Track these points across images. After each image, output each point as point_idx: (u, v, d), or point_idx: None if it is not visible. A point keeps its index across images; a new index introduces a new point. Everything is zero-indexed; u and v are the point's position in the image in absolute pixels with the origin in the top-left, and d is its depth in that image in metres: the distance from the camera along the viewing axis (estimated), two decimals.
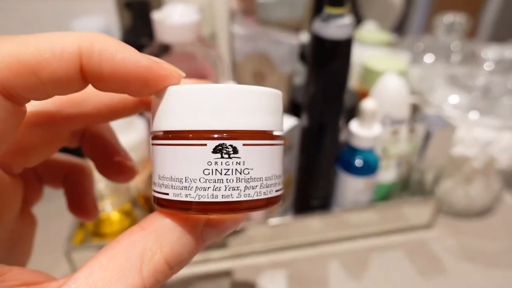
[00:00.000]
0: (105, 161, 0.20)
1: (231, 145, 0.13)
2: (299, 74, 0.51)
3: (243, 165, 0.14)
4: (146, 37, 0.48)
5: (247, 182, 0.14)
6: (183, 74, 0.15)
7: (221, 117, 0.13)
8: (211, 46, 0.41)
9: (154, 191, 0.15)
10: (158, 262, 0.14)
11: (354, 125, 0.40)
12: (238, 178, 0.14)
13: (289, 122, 0.40)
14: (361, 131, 0.39)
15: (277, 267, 0.41)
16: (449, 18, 0.61)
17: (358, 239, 0.44)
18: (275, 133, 0.15)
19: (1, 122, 0.12)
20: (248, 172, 0.14)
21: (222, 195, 0.14)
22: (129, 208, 0.42)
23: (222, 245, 0.40)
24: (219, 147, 0.13)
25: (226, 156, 0.13)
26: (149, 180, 0.40)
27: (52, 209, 0.46)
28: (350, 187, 0.41)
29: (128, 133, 0.42)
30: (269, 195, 0.15)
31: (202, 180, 0.13)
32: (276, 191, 0.15)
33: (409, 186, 0.47)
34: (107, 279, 0.13)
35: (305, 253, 0.42)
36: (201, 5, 0.49)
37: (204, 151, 0.13)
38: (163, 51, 0.39)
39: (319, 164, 0.40)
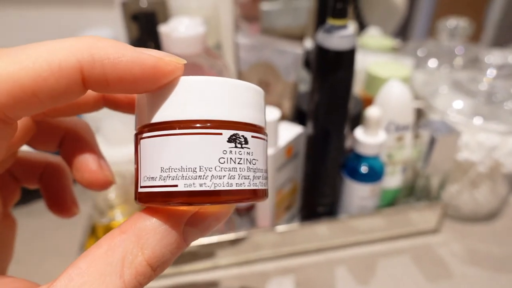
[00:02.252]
0: (80, 167, 0.19)
1: (243, 136, 0.14)
2: (304, 81, 0.52)
3: (251, 155, 0.14)
4: (153, 48, 0.49)
5: (255, 172, 0.14)
6: (185, 61, 0.14)
7: (234, 109, 0.14)
8: (216, 56, 0.42)
9: (149, 186, 0.14)
10: (139, 265, 0.13)
11: (359, 132, 0.40)
12: (248, 168, 0.14)
13: (295, 130, 0.40)
14: (366, 138, 0.39)
15: (285, 273, 0.41)
16: (452, 22, 0.62)
17: (365, 245, 0.44)
18: (263, 128, 0.16)
19: None
20: (255, 163, 0.15)
21: (236, 183, 0.14)
22: None
23: (230, 252, 0.41)
24: (234, 137, 0.14)
25: (239, 146, 0.14)
26: None
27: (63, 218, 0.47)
28: (356, 193, 0.42)
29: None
30: (265, 187, 0.16)
31: (217, 168, 0.13)
32: (265, 184, 0.16)
33: (415, 192, 0.47)
34: (87, 285, 0.12)
35: (313, 259, 0.43)
36: (207, 16, 0.50)
37: (220, 140, 0.14)
38: None
39: (325, 171, 0.40)
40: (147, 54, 0.13)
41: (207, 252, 0.40)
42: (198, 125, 0.13)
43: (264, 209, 0.41)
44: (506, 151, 0.42)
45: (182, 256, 0.40)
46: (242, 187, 0.14)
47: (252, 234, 0.40)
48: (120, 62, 0.13)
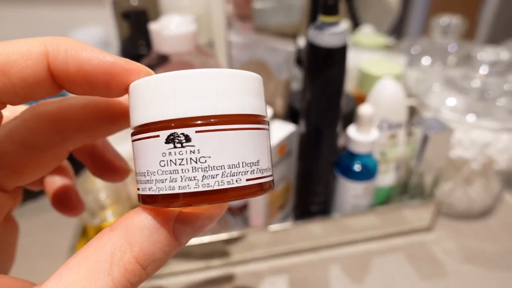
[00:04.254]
0: (96, 163, 0.20)
1: (182, 133, 0.13)
2: (297, 79, 0.51)
3: (198, 153, 0.13)
4: (144, 46, 0.49)
5: (205, 171, 0.13)
6: (151, 72, 0.15)
7: (170, 105, 0.13)
8: (208, 54, 0.42)
9: (137, 188, 0.15)
10: (128, 262, 0.13)
11: (352, 130, 0.40)
12: (194, 168, 0.13)
13: (287, 128, 0.40)
14: (359, 136, 0.39)
15: (279, 272, 0.41)
16: (446, 20, 0.62)
17: (359, 243, 0.44)
18: (243, 115, 0.14)
19: None
20: (205, 161, 0.13)
21: (179, 186, 0.13)
22: None
23: (223, 252, 0.41)
24: (171, 137, 0.13)
25: (179, 145, 0.13)
26: None
27: (54, 219, 0.46)
28: (350, 192, 0.41)
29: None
30: (236, 184, 0.13)
31: (159, 172, 0.13)
32: (248, 180, 0.14)
33: (408, 190, 0.47)
34: (76, 283, 0.12)
35: (306, 258, 0.42)
36: (198, 14, 0.50)
37: (158, 142, 0.13)
38: (161, 61, 0.39)
39: (318, 170, 0.40)
40: (110, 54, 0.14)
41: (200, 252, 0.40)
42: (140, 129, 0.14)
43: (257, 208, 0.40)
44: (499, 148, 0.42)
45: (175, 256, 0.40)
46: (186, 190, 0.13)
47: (245, 234, 0.40)
48: (82, 53, 0.14)
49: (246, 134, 0.14)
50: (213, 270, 0.41)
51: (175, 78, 0.13)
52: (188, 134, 0.13)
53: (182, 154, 0.13)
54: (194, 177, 0.13)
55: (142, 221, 0.14)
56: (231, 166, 0.13)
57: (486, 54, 0.45)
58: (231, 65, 0.48)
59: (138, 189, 0.14)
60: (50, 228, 0.46)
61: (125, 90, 0.14)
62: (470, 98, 0.45)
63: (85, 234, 0.41)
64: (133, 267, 0.13)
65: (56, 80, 0.14)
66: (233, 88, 0.14)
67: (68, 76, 0.14)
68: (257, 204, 0.40)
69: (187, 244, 0.39)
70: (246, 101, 0.14)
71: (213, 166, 0.13)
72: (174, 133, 0.13)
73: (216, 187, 0.13)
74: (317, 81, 0.34)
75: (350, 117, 0.45)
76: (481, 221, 0.48)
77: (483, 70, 0.45)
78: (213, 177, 0.13)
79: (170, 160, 0.13)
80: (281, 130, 0.39)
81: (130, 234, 0.13)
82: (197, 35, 0.38)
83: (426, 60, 0.61)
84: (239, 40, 0.47)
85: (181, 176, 0.13)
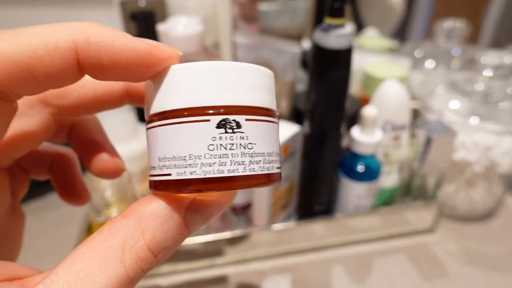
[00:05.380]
0: (91, 157, 0.20)
1: (234, 120, 0.13)
2: (301, 81, 0.52)
3: (246, 140, 0.14)
4: None
5: (251, 157, 0.14)
6: (180, 53, 0.14)
7: (221, 92, 0.13)
8: (215, 55, 0.42)
9: (152, 175, 0.14)
10: (140, 250, 0.13)
11: (356, 132, 0.40)
12: (242, 153, 0.14)
13: (292, 129, 0.40)
14: (363, 137, 0.39)
15: (281, 272, 0.41)
16: (450, 24, 0.62)
17: (361, 244, 0.44)
18: (274, 111, 0.15)
19: None
20: (252, 147, 0.14)
21: (228, 170, 0.13)
22: None
23: (227, 251, 0.41)
24: (223, 122, 0.13)
25: (230, 131, 0.13)
26: None
27: (59, 216, 0.47)
28: (353, 192, 0.42)
29: (133, 142, 0.43)
30: (272, 171, 0.15)
31: (207, 156, 0.13)
32: (277, 167, 0.15)
33: (411, 191, 0.47)
34: (88, 268, 0.12)
35: (309, 258, 0.43)
36: (205, 15, 0.51)
37: (208, 127, 0.13)
38: None
39: (321, 170, 0.41)
40: (143, 41, 0.13)
41: (204, 250, 0.41)
42: (185, 113, 0.13)
43: (260, 207, 0.41)
44: (502, 151, 0.42)
45: (178, 254, 0.40)
46: (235, 173, 0.13)
47: (248, 233, 0.40)
48: (114, 45, 0.13)
49: (275, 127, 0.15)
50: (216, 268, 0.41)
51: (228, 68, 0.14)
52: (239, 121, 0.13)
53: (233, 139, 0.13)
54: (242, 161, 0.13)
55: (156, 209, 0.14)
56: (269, 154, 0.14)
57: (490, 58, 0.45)
58: None
59: (168, 174, 0.14)
60: (55, 225, 0.46)
61: (156, 75, 0.14)
62: (473, 101, 0.45)
63: (90, 232, 0.42)
64: (145, 254, 0.13)
65: (83, 71, 0.13)
66: (270, 85, 0.15)
67: (100, 69, 0.13)
68: (260, 204, 0.41)
69: (190, 243, 0.39)
70: (273, 97, 0.15)
71: (258, 153, 0.14)
72: (226, 119, 0.13)
73: (259, 172, 0.14)
74: (323, 83, 0.35)
75: (354, 119, 0.45)
76: (483, 223, 0.48)
77: (487, 73, 0.45)
78: (257, 163, 0.14)
79: (221, 145, 0.13)
80: (285, 130, 0.40)
81: (143, 222, 0.13)
82: (204, 36, 0.39)
83: (429, 63, 0.61)
84: (245, 41, 0.47)
85: (230, 160, 0.13)
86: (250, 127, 0.14)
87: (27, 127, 0.17)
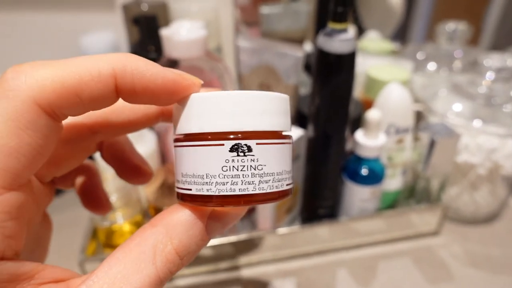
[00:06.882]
0: (123, 166, 0.22)
1: (245, 144, 0.15)
2: (304, 84, 0.52)
3: (257, 162, 0.15)
4: (154, 51, 0.50)
5: (261, 177, 0.15)
6: (202, 82, 0.17)
7: (236, 119, 0.15)
8: (217, 59, 0.42)
9: (178, 187, 0.17)
10: (169, 253, 0.15)
11: (360, 135, 0.40)
12: (253, 174, 0.15)
13: (296, 132, 0.40)
14: (367, 141, 0.40)
15: (286, 275, 0.41)
16: (451, 26, 0.62)
17: (366, 247, 0.44)
18: (284, 133, 0.17)
19: (45, 139, 0.14)
20: (262, 168, 0.15)
21: (239, 189, 0.15)
22: (140, 219, 0.43)
23: (232, 255, 0.41)
24: (235, 146, 0.15)
25: (242, 154, 0.15)
26: (159, 191, 0.41)
27: (65, 220, 0.47)
28: (357, 196, 0.42)
29: (139, 146, 0.43)
30: (281, 188, 0.16)
31: (221, 176, 0.15)
32: (287, 184, 0.17)
33: (415, 194, 0.47)
34: (124, 271, 0.14)
35: (314, 262, 0.43)
36: (207, 19, 0.51)
37: (222, 150, 0.15)
38: (171, 66, 0.40)
39: (326, 174, 0.41)
40: (170, 71, 0.15)
41: (209, 254, 0.41)
42: (203, 137, 0.15)
43: (264, 211, 0.41)
44: (505, 153, 0.42)
45: None
46: (245, 192, 0.15)
47: (253, 237, 0.40)
48: (146, 73, 0.15)
49: (286, 147, 0.17)
50: (222, 272, 0.41)
51: (240, 97, 0.15)
52: (250, 145, 0.15)
53: (244, 162, 0.15)
54: (252, 181, 0.15)
55: (181, 217, 0.16)
56: (279, 173, 0.16)
57: (492, 60, 0.45)
58: (239, 70, 0.49)
59: (189, 189, 0.16)
60: (61, 229, 0.46)
61: (180, 100, 0.16)
62: (476, 103, 0.45)
63: (95, 236, 0.42)
64: (173, 257, 0.15)
65: (119, 95, 0.15)
66: (283, 109, 0.17)
67: (133, 94, 0.15)
68: (265, 208, 0.41)
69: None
70: (287, 121, 0.17)
71: (267, 173, 0.16)
72: (238, 143, 0.15)
73: (268, 190, 0.16)
74: (327, 87, 0.35)
75: (358, 122, 0.45)
76: (487, 225, 0.48)
77: (490, 76, 0.46)
78: (267, 182, 0.16)
79: (233, 166, 0.15)
80: None
81: (171, 228, 0.15)
82: (207, 40, 0.39)
83: (431, 66, 0.61)
84: (248, 45, 0.47)
85: (241, 180, 0.15)
86: (261, 150, 0.15)
87: (74, 152, 0.19)
